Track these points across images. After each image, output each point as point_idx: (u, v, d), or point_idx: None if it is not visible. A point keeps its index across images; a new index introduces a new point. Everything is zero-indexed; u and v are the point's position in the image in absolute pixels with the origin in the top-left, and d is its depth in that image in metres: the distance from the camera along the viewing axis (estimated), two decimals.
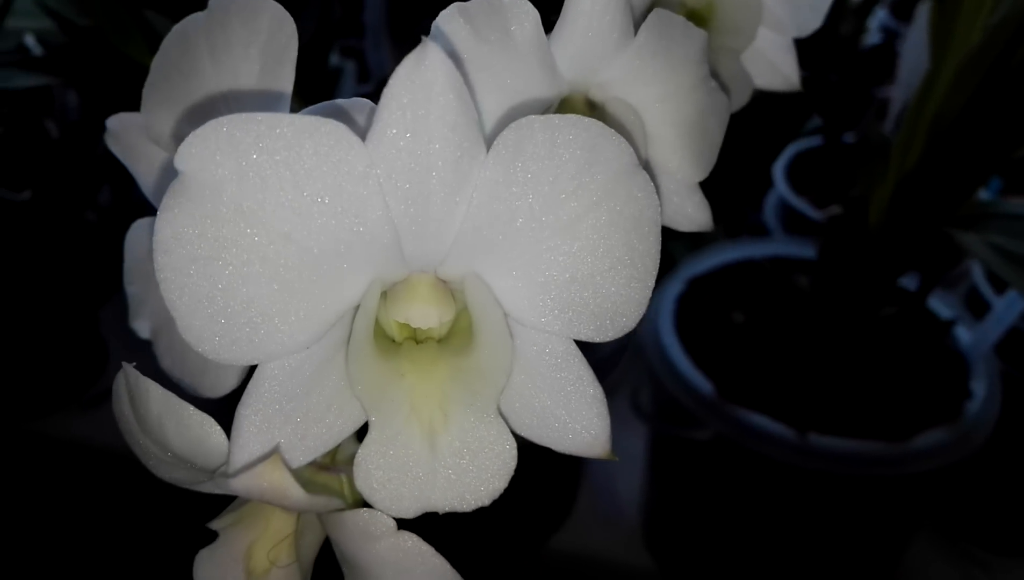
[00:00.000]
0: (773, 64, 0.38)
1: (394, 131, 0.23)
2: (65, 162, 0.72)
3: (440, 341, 0.27)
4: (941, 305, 0.77)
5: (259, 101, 0.27)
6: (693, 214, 0.31)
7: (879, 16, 1.15)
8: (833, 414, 0.67)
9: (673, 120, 0.30)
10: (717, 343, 0.72)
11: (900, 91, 0.89)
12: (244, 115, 0.22)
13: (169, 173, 0.24)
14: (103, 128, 0.32)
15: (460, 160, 0.23)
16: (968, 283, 0.85)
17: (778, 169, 0.95)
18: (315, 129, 0.22)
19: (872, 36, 1.12)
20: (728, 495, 0.70)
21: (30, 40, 0.74)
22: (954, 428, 0.66)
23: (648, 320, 0.73)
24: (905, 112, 0.72)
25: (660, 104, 0.30)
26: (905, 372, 0.71)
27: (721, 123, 0.31)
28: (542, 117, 0.23)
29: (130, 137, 0.31)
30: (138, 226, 0.32)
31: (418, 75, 0.22)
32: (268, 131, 0.22)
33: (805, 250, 0.81)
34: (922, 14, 0.88)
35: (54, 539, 0.79)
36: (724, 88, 0.32)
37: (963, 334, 0.74)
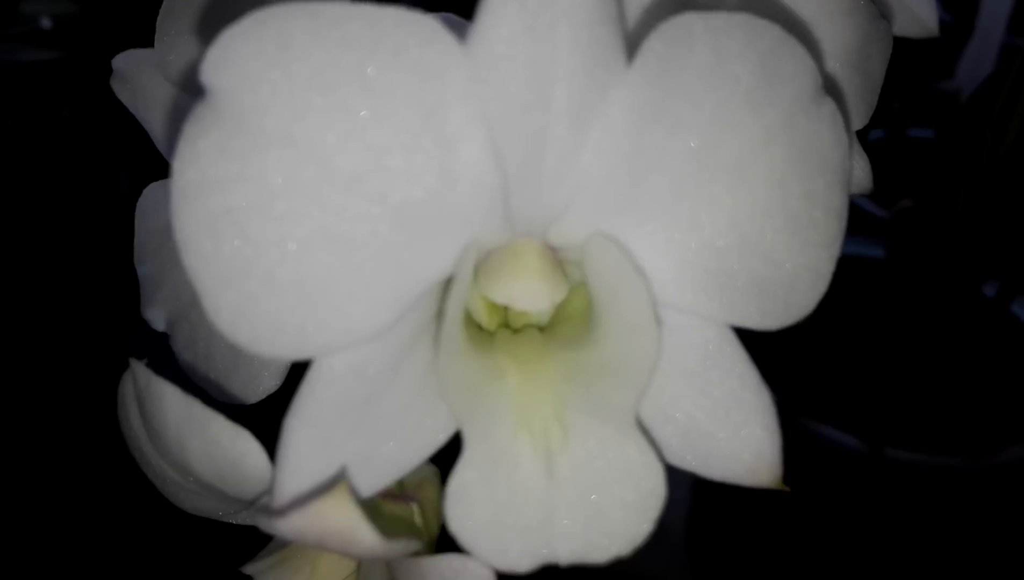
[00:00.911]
0: (907, 5, 0.31)
1: (506, 30, 0.16)
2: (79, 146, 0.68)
3: (542, 330, 0.20)
4: (1021, 308, 0.72)
5: None
6: (851, 172, 0.25)
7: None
8: (907, 426, 0.61)
9: (831, 49, 0.23)
10: (777, 346, 0.67)
11: (965, 81, 0.84)
12: (296, 4, 0.16)
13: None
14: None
15: (593, 74, 0.17)
16: None
17: None
18: (398, 25, 0.16)
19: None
20: (786, 514, 0.64)
21: (45, 22, 0.71)
22: None
23: None
24: (979, 98, 0.67)
25: (817, 27, 0.23)
26: (985, 381, 0.66)
27: (884, 58, 0.25)
28: (703, 15, 0.17)
29: (141, 79, 0.25)
30: (151, 191, 0.26)
31: None
32: (331, 27, 0.16)
33: (868, 249, 0.75)
34: (993, 1, 0.82)
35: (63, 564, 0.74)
36: (886, 14, 0.26)
37: None
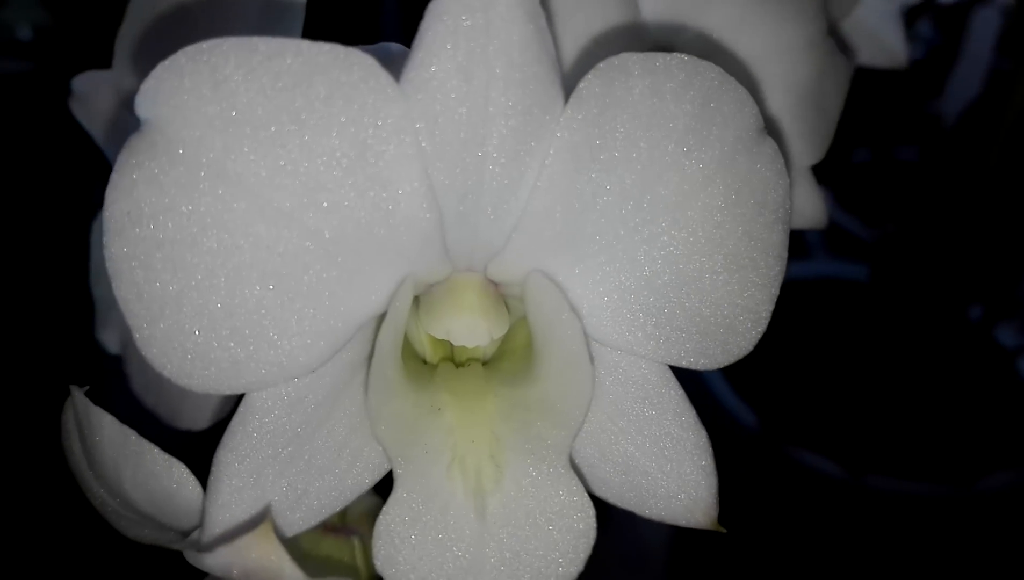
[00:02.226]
0: (876, 36, 0.32)
1: (440, 68, 0.16)
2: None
3: (486, 364, 0.20)
4: (1003, 333, 0.72)
5: (259, 20, 0.20)
6: (803, 207, 0.25)
7: (922, 30, 1.09)
8: (890, 452, 0.61)
9: (784, 83, 0.23)
10: (761, 371, 0.67)
11: (952, 104, 0.85)
12: (232, 39, 0.16)
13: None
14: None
15: (529, 113, 0.17)
16: None
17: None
18: (333, 61, 0.16)
19: (914, 51, 1.06)
20: (767, 538, 0.64)
21: (24, 31, 0.70)
22: (1022, 471, 0.61)
23: None
24: (965, 120, 0.68)
25: (768, 63, 0.23)
26: (968, 407, 0.66)
27: (841, 91, 0.25)
28: (641, 55, 0.17)
29: (99, 100, 0.25)
30: None
31: None
32: (266, 62, 0.16)
33: (854, 272, 0.75)
34: (981, 22, 0.83)
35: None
36: (845, 48, 0.26)
37: None
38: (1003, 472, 0.59)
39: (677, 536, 0.73)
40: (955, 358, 0.68)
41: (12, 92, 0.72)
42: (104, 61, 0.28)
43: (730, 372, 0.66)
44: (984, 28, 0.94)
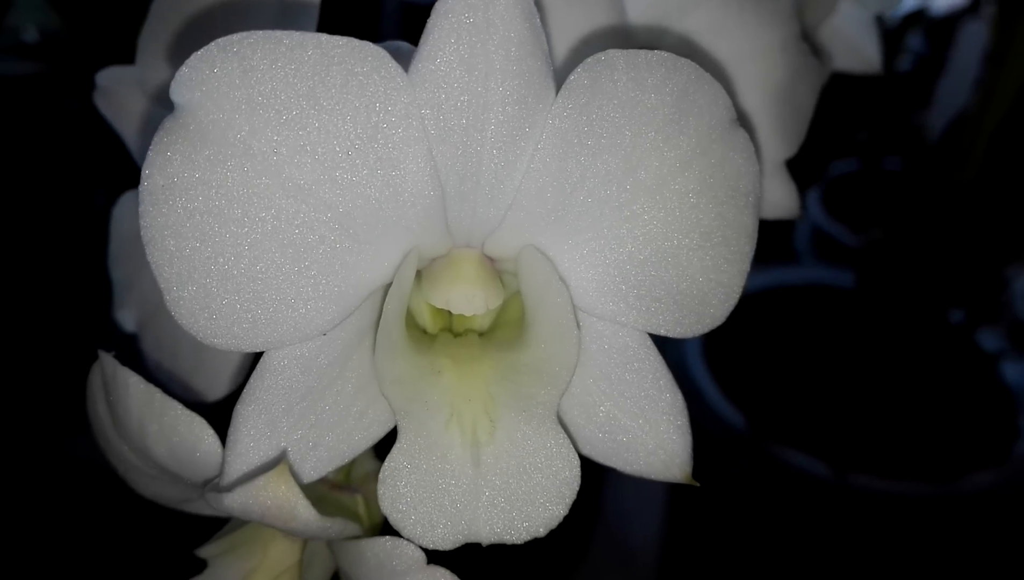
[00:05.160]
0: (851, 43, 0.34)
1: (444, 61, 0.18)
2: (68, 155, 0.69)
3: (482, 334, 0.22)
4: (985, 337, 0.73)
5: (279, 19, 0.22)
6: (778, 198, 0.27)
7: (912, 42, 1.11)
8: (874, 452, 0.62)
9: (761, 83, 0.25)
10: (748, 374, 0.68)
11: (939, 114, 0.86)
12: (259, 32, 0.18)
13: None
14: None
15: (524, 102, 0.19)
16: (1011, 314, 0.81)
17: (812, 192, 0.91)
18: (348, 53, 0.18)
19: (904, 62, 1.08)
20: (754, 537, 0.65)
21: (31, 33, 0.72)
22: (1003, 470, 0.62)
23: (673, 346, 0.69)
24: (951, 130, 0.69)
25: (746, 63, 0.25)
26: (950, 408, 0.67)
27: (813, 91, 0.27)
28: (626, 52, 0.19)
29: (122, 94, 0.27)
30: (127, 199, 0.28)
31: None
32: (289, 53, 0.18)
33: (840, 278, 0.77)
34: (968, 34, 0.85)
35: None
36: (817, 51, 0.28)
37: (1010, 369, 0.70)
38: (985, 472, 0.61)
39: (667, 535, 0.74)
40: (938, 361, 0.70)
41: (19, 94, 0.73)
42: (112, 63, 0.29)
43: (718, 374, 0.67)
44: (971, 40, 0.96)
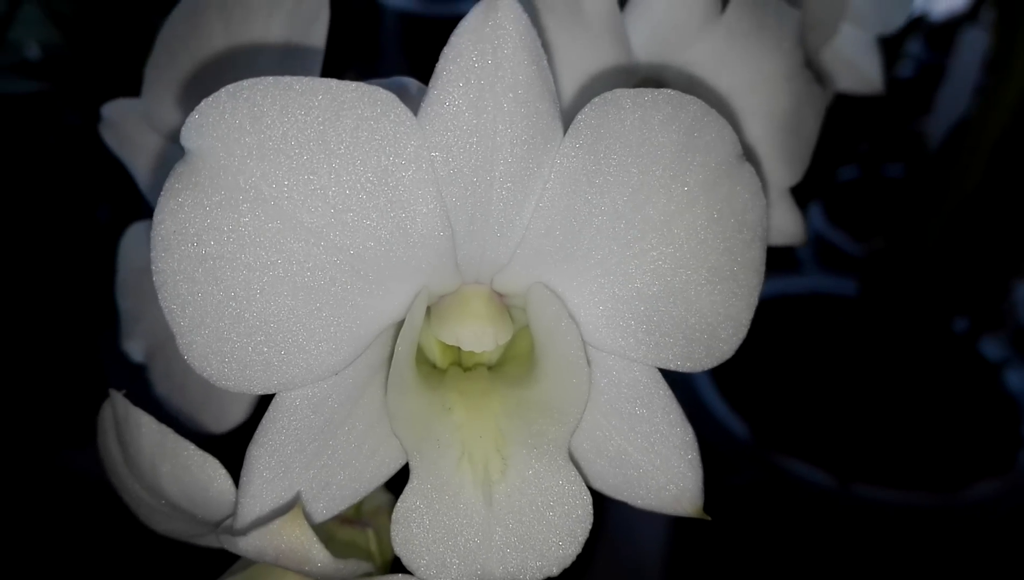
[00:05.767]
0: (853, 64, 0.34)
1: (453, 104, 0.18)
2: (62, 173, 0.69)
3: (491, 368, 0.22)
4: (988, 346, 0.73)
5: (285, 62, 0.22)
6: (783, 224, 0.27)
7: (913, 48, 1.12)
8: (877, 462, 0.62)
9: (765, 112, 0.25)
10: (752, 383, 0.68)
11: (940, 121, 0.86)
12: (269, 78, 0.18)
13: (172, 164, 0.19)
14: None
15: (532, 143, 0.19)
16: (1014, 322, 0.81)
17: (813, 200, 0.91)
18: (358, 98, 0.18)
19: (905, 69, 1.09)
20: (759, 547, 0.65)
21: (33, 50, 0.72)
22: (1007, 479, 0.62)
23: None
24: (952, 137, 0.69)
25: (750, 94, 0.25)
26: (954, 417, 0.67)
27: (817, 118, 0.27)
28: (632, 91, 0.19)
29: (128, 126, 0.27)
30: (135, 231, 0.28)
31: (486, 32, 0.18)
32: (299, 99, 0.18)
33: (843, 286, 0.77)
34: (968, 40, 0.85)
35: None
36: (820, 77, 0.28)
37: (1013, 378, 0.70)
38: (989, 481, 0.61)
39: (672, 546, 0.74)
40: (941, 370, 0.70)
41: (21, 112, 0.73)
42: (114, 81, 0.29)
43: (721, 384, 0.67)
44: (972, 46, 0.96)
